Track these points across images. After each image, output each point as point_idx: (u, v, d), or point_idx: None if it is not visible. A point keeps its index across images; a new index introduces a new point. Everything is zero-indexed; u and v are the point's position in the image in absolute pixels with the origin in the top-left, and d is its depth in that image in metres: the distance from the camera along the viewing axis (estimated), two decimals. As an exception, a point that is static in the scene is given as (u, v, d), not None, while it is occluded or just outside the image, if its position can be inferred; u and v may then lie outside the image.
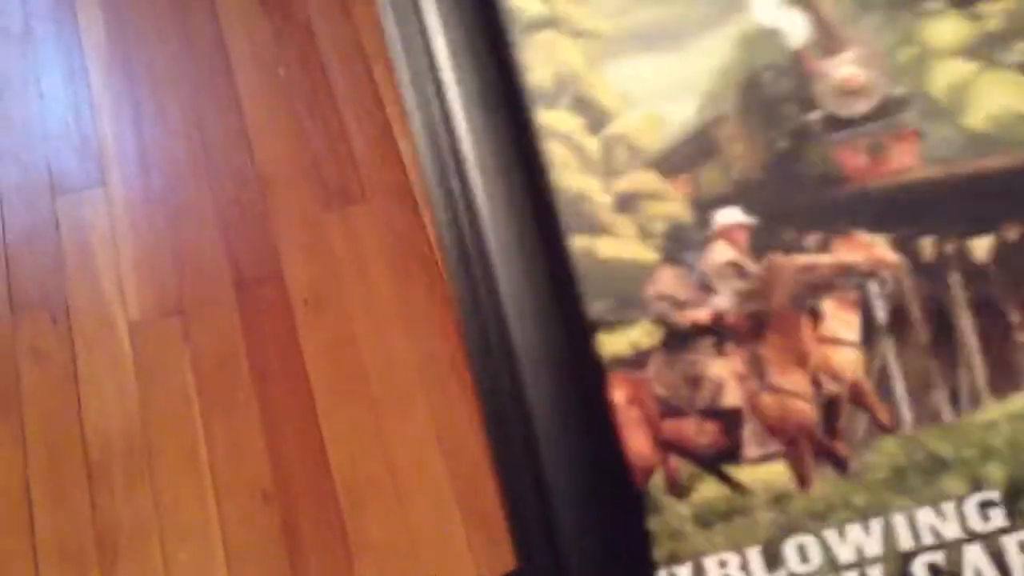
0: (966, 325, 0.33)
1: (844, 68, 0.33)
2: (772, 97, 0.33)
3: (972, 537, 0.31)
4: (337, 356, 1.45)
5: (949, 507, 0.32)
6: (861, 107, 0.33)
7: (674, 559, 0.31)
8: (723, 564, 0.31)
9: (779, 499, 0.32)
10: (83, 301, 1.59)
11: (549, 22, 0.33)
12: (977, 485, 0.32)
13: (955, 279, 0.33)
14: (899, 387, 0.32)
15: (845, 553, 0.31)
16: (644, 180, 0.33)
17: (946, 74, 0.33)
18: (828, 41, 0.33)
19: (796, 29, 0.33)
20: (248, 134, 1.67)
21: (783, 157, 0.33)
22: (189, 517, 1.40)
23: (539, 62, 0.33)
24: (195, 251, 1.59)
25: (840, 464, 0.32)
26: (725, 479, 0.32)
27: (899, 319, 0.33)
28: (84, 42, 1.84)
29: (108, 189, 1.68)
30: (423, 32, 0.33)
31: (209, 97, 1.73)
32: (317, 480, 1.37)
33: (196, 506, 1.40)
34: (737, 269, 0.33)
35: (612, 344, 0.32)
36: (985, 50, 0.33)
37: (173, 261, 1.59)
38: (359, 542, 1.33)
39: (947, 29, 0.33)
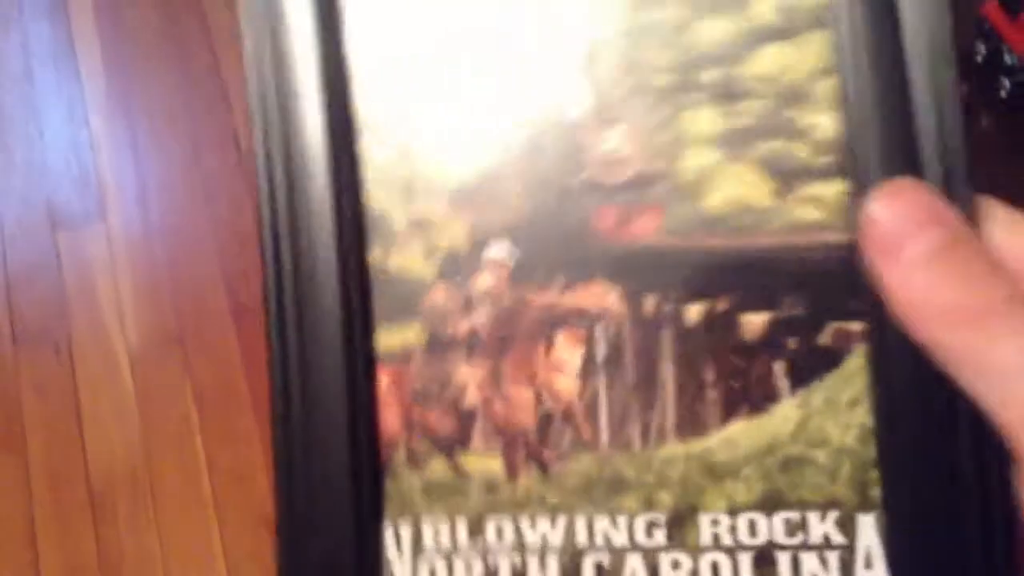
0: (667, 375, 0.39)
1: (611, 142, 0.39)
2: (548, 157, 0.39)
3: (635, 548, 0.39)
4: (335, 383, 1.48)
5: (622, 519, 0.39)
6: (618, 177, 0.39)
7: (400, 517, 0.40)
8: (436, 527, 0.40)
9: (491, 485, 0.40)
10: (84, 334, 1.61)
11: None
12: (649, 506, 0.39)
13: (666, 334, 0.39)
14: (603, 414, 0.39)
15: (533, 538, 0.39)
16: (436, 210, 0.40)
17: (694, 159, 0.38)
18: (603, 115, 0.39)
19: (578, 102, 0.39)
20: (246, 165, 1.67)
21: (549, 209, 0.39)
22: (193, 547, 1.44)
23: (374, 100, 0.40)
24: (194, 281, 1.61)
25: (544, 467, 0.40)
26: (453, 462, 0.40)
27: (614, 359, 0.39)
28: (83, 80, 1.85)
29: (108, 223, 1.70)
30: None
31: (207, 130, 1.73)
32: (317, 509, 1.42)
33: (200, 535, 1.44)
34: (494, 296, 0.40)
35: (388, 340, 0.41)
36: (730, 144, 0.38)
37: (173, 292, 1.62)
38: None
39: (703, 119, 0.38)
